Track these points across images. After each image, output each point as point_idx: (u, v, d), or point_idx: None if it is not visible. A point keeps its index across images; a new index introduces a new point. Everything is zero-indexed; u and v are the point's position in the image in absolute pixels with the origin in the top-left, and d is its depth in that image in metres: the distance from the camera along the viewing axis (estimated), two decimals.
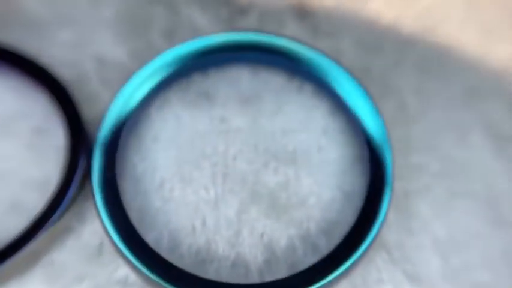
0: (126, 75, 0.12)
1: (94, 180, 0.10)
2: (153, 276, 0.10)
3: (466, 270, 0.10)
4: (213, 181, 0.11)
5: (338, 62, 0.11)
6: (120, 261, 0.10)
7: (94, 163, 0.11)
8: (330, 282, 0.10)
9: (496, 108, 0.12)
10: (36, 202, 0.11)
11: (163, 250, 0.10)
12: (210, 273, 0.10)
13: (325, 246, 0.10)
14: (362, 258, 0.10)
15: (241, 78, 0.12)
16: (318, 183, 0.11)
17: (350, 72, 0.11)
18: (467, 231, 0.11)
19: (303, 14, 0.12)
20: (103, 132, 0.11)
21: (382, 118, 0.11)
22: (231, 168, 0.11)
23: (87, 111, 0.11)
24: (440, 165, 0.11)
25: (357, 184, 0.11)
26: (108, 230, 0.10)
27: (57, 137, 0.11)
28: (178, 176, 0.11)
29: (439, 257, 0.10)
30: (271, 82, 0.12)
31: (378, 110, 0.11)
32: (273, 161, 0.11)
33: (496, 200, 0.11)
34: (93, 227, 0.11)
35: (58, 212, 0.10)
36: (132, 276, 0.10)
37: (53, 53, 0.12)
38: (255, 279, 0.10)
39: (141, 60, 0.12)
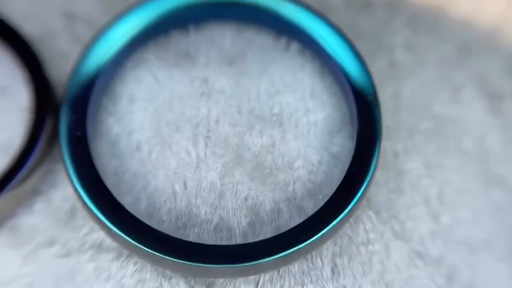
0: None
1: (62, 140, 0.10)
2: (129, 239, 0.09)
3: (457, 227, 0.10)
4: (194, 144, 0.10)
5: (326, 19, 0.11)
6: (94, 225, 0.10)
7: (61, 122, 0.10)
8: (315, 242, 0.09)
9: (489, 65, 0.11)
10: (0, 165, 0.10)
11: (141, 215, 0.10)
12: (191, 238, 0.10)
13: (312, 209, 0.10)
14: (348, 217, 0.10)
15: (224, 36, 0.11)
16: (305, 146, 0.10)
17: (339, 29, 0.11)
18: (459, 189, 0.10)
19: None
20: (71, 89, 0.10)
21: (371, 76, 0.10)
22: (213, 131, 0.11)
23: (55, 71, 0.11)
24: (431, 123, 0.11)
25: (345, 146, 0.10)
26: (79, 191, 0.10)
27: (22, 98, 0.10)
28: (157, 138, 0.10)
29: (429, 215, 0.10)
30: (256, 40, 0.11)
31: (367, 68, 0.10)
32: (258, 124, 0.11)
33: (487, 157, 0.11)
34: (64, 191, 0.10)
35: (22, 173, 0.10)
36: (108, 241, 0.10)
37: (16, 7, 0.11)
38: (238, 242, 0.10)
39: (114, 15, 0.11)
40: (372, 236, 0.10)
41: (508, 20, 0.11)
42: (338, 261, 0.10)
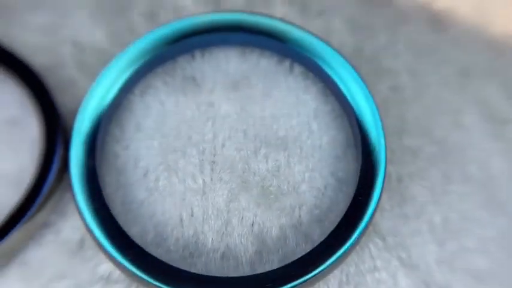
0: (106, 60, 0.11)
1: (72, 172, 0.10)
2: (138, 272, 0.09)
3: (463, 255, 0.10)
4: (200, 170, 0.11)
5: (329, 43, 0.11)
6: (103, 256, 0.10)
7: (72, 154, 0.10)
8: (322, 272, 0.09)
9: (491, 89, 0.11)
10: (10, 198, 0.10)
11: (149, 244, 0.10)
12: (198, 267, 0.10)
13: (318, 235, 0.10)
14: (355, 245, 0.10)
15: (229, 60, 0.11)
16: (309, 170, 0.10)
17: (341, 53, 0.11)
18: (463, 216, 0.10)
19: None
20: (81, 120, 0.10)
21: (374, 100, 0.10)
22: (219, 156, 0.11)
23: (64, 100, 0.11)
24: (435, 148, 0.11)
25: (350, 170, 0.10)
26: (89, 225, 0.10)
27: (31, 129, 0.11)
28: (164, 165, 0.11)
29: (435, 243, 0.10)
30: (260, 64, 0.11)
31: (369, 92, 0.11)
32: (263, 147, 0.11)
33: (492, 183, 0.11)
34: (73, 221, 0.10)
35: (34, 207, 0.10)
36: (116, 272, 0.10)
37: (24, 38, 0.11)
38: (245, 271, 0.10)
39: (121, 43, 0.11)
40: (378, 263, 0.10)
41: (507, 44, 0.12)
42: None
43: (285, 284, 0.09)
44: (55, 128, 0.10)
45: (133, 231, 0.10)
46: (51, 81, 0.11)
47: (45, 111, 0.10)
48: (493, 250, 0.10)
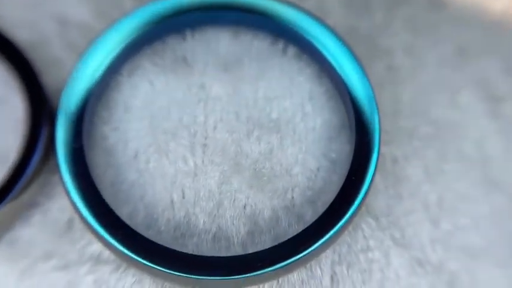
0: (92, 39, 0.11)
1: (58, 151, 0.10)
2: (127, 252, 0.09)
3: (457, 234, 0.10)
4: (191, 152, 0.10)
5: (324, 22, 0.11)
6: (92, 237, 0.10)
7: (57, 133, 0.10)
8: (314, 251, 0.09)
9: (487, 68, 0.11)
10: None
11: (139, 226, 0.10)
12: (190, 248, 0.10)
13: (311, 217, 0.10)
14: (347, 225, 0.10)
15: (220, 41, 0.11)
16: (303, 152, 0.10)
17: (336, 32, 0.10)
18: (459, 195, 0.10)
19: None
20: (66, 99, 0.10)
21: (369, 81, 0.10)
22: (211, 138, 0.10)
23: (49, 78, 0.11)
24: (430, 128, 0.11)
25: (343, 151, 0.10)
26: (76, 204, 0.10)
27: (15, 108, 0.10)
28: (154, 146, 0.10)
29: (429, 221, 0.10)
30: (253, 45, 0.11)
31: (365, 72, 0.10)
32: (256, 130, 0.10)
33: (487, 161, 0.11)
34: (61, 202, 0.10)
35: (18, 186, 0.10)
36: (106, 252, 0.10)
37: (7, 13, 0.11)
38: (237, 252, 0.10)
39: (108, 20, 0.11)
40: (371, 243, 0.10)
41: (507, 22, 0.11)
42: (337, 269, 0.10)
43: (277, 263, 0.09)
44: (40, 107, 0.10)
45: (123, 212, 0.10)
46: (35, 58, 0.11)
47: (30, 90, 0.10)
48: (487, 228, 0.10)
